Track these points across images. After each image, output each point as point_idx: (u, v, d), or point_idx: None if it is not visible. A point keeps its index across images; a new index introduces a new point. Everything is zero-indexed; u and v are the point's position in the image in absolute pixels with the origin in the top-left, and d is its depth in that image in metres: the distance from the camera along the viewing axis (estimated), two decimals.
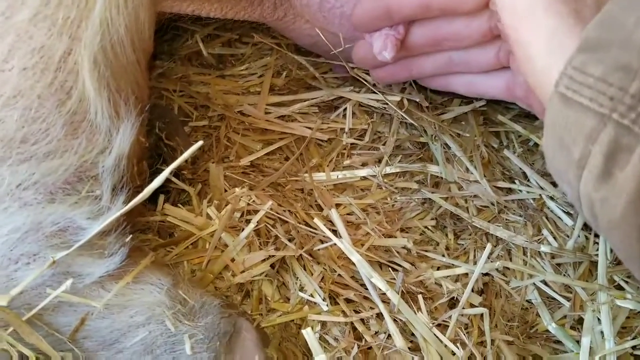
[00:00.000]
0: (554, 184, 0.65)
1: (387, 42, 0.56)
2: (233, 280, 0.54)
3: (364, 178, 0.65)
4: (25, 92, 0.43)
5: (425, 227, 0.62)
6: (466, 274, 0.58)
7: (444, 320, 0.54)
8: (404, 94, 0.68)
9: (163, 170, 0.43)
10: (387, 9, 0.55)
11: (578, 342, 0.55)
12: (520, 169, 0.67)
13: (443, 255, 0.59)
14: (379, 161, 0.66)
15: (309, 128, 0.67)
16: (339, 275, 0.56)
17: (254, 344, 0.47)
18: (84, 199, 0.44)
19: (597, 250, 0.60)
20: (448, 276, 0.58)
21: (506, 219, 0.63)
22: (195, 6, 0.59)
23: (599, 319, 0.55)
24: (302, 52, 0.72)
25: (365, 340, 0.52)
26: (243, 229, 0.56)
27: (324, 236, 0.57)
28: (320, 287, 0.54)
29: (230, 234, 0.56)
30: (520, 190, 0.65)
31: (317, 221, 0.57)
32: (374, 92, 0.68)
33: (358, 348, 0.51)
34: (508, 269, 0.60)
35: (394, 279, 0.56)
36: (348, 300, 0.55)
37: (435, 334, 0.52)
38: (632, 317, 0.57)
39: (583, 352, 0.53)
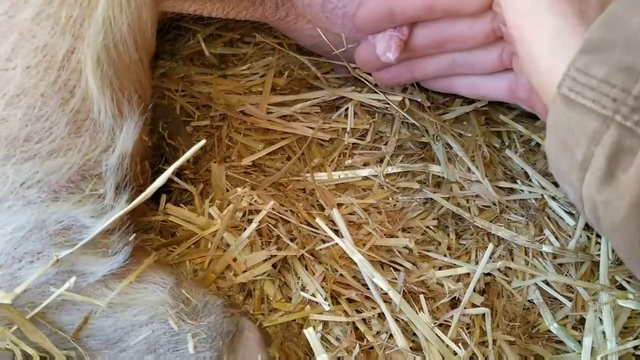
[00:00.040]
0: (556, 184, 0.65)
1: (390, 43, 0.56)
2: (235, 280, 0.54)
3: (366, 178, 0.65)
4: (28, 91, 0.43)
5: (427, 227, 0.62)
6: (468, 274, 0.58)
7: (445, 320, 0.54)
8: (406, 93, 0.68)
9: (165, 170, 0.43)
10: (391, 11, 0.55)
11: (580, 342, 0.55)
12: (522, 168, 0.67)
13: (445, 255, 0.59)
14: (381, 161, 0.66)
15: (311, 128, 0.67)
16: (341, 275, 0.56)
17: (257, 344, 0.47)
18: (87, 198, 0.44)
19: (599, 250, 0.60)
20: (450, 276, 0.58)
21: (508, 219, 0.63)
22: (197, 6, 0.59)
23: (600, 319, 0.55)
24: (304, 52, 0.72)
25: (367, 340, 0.52)
26: (245, 229, 0.56)
27: (325, 236, 0.57)
28: (322, 287, 0.54)
29: (232, 234, 0.56)
30: (522, 190, 0.65)
31: (319, 221, 0.57)
32: (376, 92, 0.68)
33: (360, 348, 0.51)
34: (510, 269, 0.60)
35: (396, 278, 0.56)
36: (350, 300, 0.55)
37: (437, 334, 0.52)
38: (634, 317, 0.57)
39: (585, 352, 0.53)
